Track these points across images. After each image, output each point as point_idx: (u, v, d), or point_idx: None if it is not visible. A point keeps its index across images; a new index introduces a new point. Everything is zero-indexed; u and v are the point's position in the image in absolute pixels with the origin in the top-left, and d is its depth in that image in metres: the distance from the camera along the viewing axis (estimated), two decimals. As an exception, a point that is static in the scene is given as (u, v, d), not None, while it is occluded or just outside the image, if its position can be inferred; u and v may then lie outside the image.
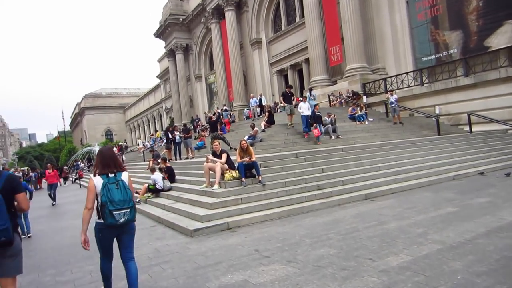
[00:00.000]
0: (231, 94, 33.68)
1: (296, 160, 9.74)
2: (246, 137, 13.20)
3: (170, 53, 43.05)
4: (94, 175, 3.49)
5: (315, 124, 12.66)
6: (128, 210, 3.38)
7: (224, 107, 27.85)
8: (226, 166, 8.37)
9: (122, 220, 3.33)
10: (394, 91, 16.93)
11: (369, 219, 6.27)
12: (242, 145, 8.49)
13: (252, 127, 13.33)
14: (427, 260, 4.09)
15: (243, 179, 8.01)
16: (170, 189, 10.13)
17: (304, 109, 12.94)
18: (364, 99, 18.37)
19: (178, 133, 15.36)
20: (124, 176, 3.53)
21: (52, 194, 14.82)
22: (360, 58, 21.47)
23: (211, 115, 14.26)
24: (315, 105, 13.47)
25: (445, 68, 18.31)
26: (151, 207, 9.21)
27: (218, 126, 15.84)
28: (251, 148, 8.56)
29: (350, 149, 11.03)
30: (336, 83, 22.92)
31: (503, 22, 16.98)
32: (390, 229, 5.54)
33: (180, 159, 15.43)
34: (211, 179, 8.51)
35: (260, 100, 23.77)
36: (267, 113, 14.90)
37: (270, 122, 14.63)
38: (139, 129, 70.84)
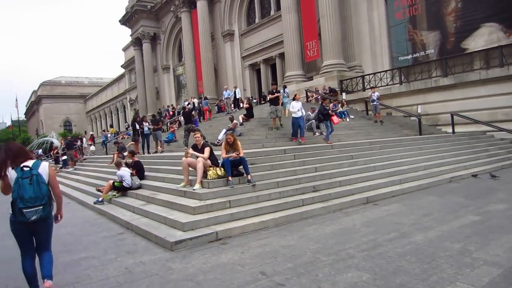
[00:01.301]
0: (201, 86, 31.97)
1: (285, 157, 8.56)
2: (224, 131, 11.90)
3: (137, 42, 40.47)
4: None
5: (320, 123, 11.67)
6: (41, 207, 3.22)
7: (204, 96, 26.17)
8: (209, 162, 7.03)
9: (33, 217, 3.20)
10: (375, 89, 16.19)
11: (384, 229, 5.22)
12: (229, 139, 7.18)
13: (231, 119, 12.04)
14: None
15: (230, 178, 6.71)
16: (139, 187, 8.59)
17: (297, 109, 10.98)
18: (344, 95, 17.54)
19: (147, 124, 13.68)
20: (43, 168, 3.35)
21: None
22: (338, 55, 20.70)
23: (185, 105, 12.68)
24: (324, 99, 12.29)
25: (424, 68, 17.93)
26: (117, 208, 7.65)
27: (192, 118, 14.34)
28: (238, 142, 7.26)
29: (340, 147, 10.04)
30: (312, 79, 22.05)
31: (480, 25, 16.77)
32: (418, 243, 4.50)
33: (149, 153, 13.79)
34: (190, 177, 7.13)
35: (235, 93, 22.43)
36: (246, 105, 13.61)
37: (249, 115, 13.38)
38: (101, 120, 66.90)
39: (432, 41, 18.62)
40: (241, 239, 5.10)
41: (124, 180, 8.55)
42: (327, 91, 19.70)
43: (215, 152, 7.47)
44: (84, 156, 21.25)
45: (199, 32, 30.11)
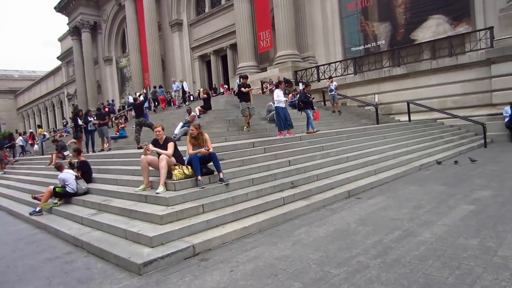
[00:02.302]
0: (147, 79, 29.97)
1: (255, 151, 7.71)
2: (180, 124, 10.75)
3: (75, 31, 36.98)
4: None
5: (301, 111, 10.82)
6: None
7: (159, 85, 24.35)
8: (173, 159, 5.96)
9: None
10: (333, 79, 15.88)
11: (383, 227, 4.61)
12: (192, 132, 6.15)
13: (189, 111, 10.90)
14: None
15: (200, 177, 5.71)
16: (86, 192, 7.21)
17: (281, 98, 9.92)
18: (300, 86, 17.00)
19: (92, 118, 12.01)
20: None
21: None
22: (291, 45, 20.24)
23: (136, 96, 11.29)
24: (306, 86, 11.41)
25: (377, 59, 17.99)
26: (61, 220, 6.28)
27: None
28: (206, 135, 6.26)
29: (308, 138, 9.40)
30: (265, 70, 21.41)
31: (428, 17, 17.18)
32: (431, 242, 3.92)
33: (94, 151, 12.18)
34: (151, 178, 6.01)
35: (182, 86, 21.09)
36: (204, 96, 12.51)
37: (207, 107, 12.31)
38: (35, 117, 60.88)
39: (383, 32, 18.82)
40: (224, 252, 4.17)
41: (67, 185, 7.13)
42: (282, 82, 19.18)
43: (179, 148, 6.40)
44: (16, 158, 18.63)
45: (145, 21, 28.08)
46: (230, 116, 12.19)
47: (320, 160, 7.91)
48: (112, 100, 28.20)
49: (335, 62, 18.59)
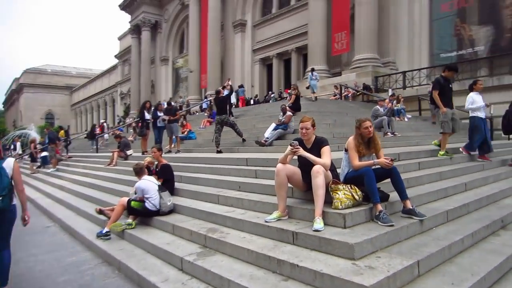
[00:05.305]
0: (204, 80, 28.43)
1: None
2: (273, 125, 8.59)
3: (135, 30, 36.45)
4: None
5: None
6: (0, 198, 3.19)
7: (240, 84, 22.84)
8: (330, 174, 3.72)
9: None
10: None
11: None
12: (367, 132, 3.78)
13: (284, 110, 8.72)
14: None
15: (380, 207, 3.44)
16: (171, 210, 5.16)
17: (480, 104, 6.59)
18: (390, 92, 14.47)
19: (161, 113, 10.17)
20: (8, 163, 3.38)
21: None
22: (372, 48, 17.73)
23: (220, 89, 9.27)
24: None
25: (473, 67, 15.08)
26: (141, 254, 4.17)
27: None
28: (378, 138, 3.96)
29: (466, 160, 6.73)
30: (341, 75, 18.99)
31: (545, 20, 14.14)
32: None
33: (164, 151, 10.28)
34: (289, 199, 3.81)
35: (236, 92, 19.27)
36: (293, 96, 10.33)
37: (296, 108, 10.11)
38: (87, 114, 61.73)
39: (483, 37, 15.86)
40: None
41: (148, 198, 5.08)
42: (360, 88, 16.74)
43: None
44: (69, 154, 17.12)
45: (208, 21, 26.53)
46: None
47: None
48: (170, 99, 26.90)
49: (426, 68, 15.86)
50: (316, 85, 16.03)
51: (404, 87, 16.09)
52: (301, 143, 3.89)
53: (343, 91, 16.66)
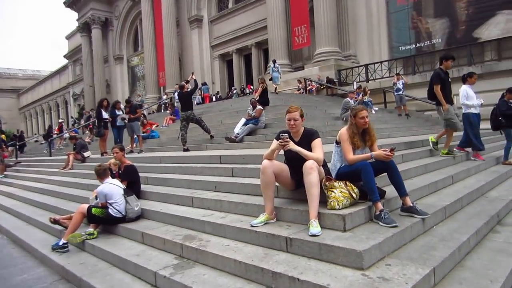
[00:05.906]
0: (162, 78, 27.23)
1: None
2: (243, 120, 8.02)
3: (85, 28, 34.16)
4: None
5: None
6: None
7: (203, 81, 21.87)
8: (322, 170, 3.20)
9: None
10: (401, 75, 13.22)
11: None
12: (362, 122, 3.28)
13: (253, 104, 8.16)
14: None
15: (380, 205, 2.98)
16: (139, 215, 4.45)
17: (475, 101, 6.01)
18: (355, 84, 14.37)
19: (120, 112, 9.22)
20: None
21: None
22: (333, 42, 17.69)
23: (184, 83, 8.53)
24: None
25: (432, 59, 15.46)
26: (106, 268, 3.47)
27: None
28: (373, 129, 3.50)
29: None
30: (303, 69, 18.78)
31: (496, 12, 14.73)
32: None
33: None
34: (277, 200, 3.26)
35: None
36: (259, 89, 9.80)
37: (264, 102, 9.59)
38: (38, 118, 57.58)
39: (439, 29, 16.31)
40: None
41: (111, 204, 4.33)
42: (323, 82, 16.61)
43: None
44: (18, 159, 15.55)
45: (162, 17, 25.37)
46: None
47: None
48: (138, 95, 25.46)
49: (388, 61, 16.03)
50: (278, 78, 15.69)
51: (367, 80, 16.16)
52: (288, 134, 3.33)
53: (307, 85, 16.38)
